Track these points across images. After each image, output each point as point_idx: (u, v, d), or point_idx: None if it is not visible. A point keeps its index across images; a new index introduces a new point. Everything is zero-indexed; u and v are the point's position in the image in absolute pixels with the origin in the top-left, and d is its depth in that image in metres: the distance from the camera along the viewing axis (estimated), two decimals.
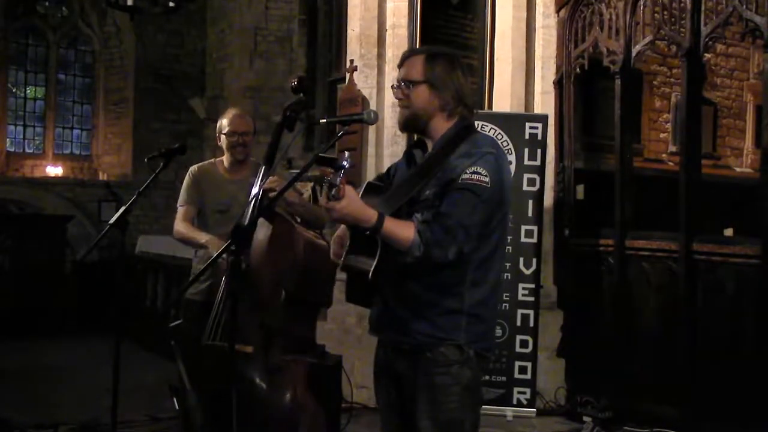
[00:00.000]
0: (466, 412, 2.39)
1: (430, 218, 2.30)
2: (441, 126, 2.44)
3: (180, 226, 3.92)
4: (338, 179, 2.17)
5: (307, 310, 3.34)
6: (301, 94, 3.54)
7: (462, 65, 2.48)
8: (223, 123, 3.94)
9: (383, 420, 2.59)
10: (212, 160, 4.13)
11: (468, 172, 2.30)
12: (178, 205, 4.00)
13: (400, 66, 2.51)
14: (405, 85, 2.45)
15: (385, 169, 2.73)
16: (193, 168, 4.05)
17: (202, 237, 3.75)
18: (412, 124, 2.48)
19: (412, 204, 2.37)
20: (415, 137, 2.57)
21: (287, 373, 3.16)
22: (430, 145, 2.47)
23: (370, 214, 2.25)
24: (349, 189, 2.23)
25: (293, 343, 3.22)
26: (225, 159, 3.99)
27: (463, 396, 2.37)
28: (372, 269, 2.31)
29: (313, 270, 3.20)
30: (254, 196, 3.28)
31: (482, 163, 2.32)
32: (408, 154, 2.56)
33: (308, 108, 3.70)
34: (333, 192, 2.18)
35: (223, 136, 3.93)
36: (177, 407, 3.57)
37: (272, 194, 3.22)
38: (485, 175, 2.30)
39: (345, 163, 2.18)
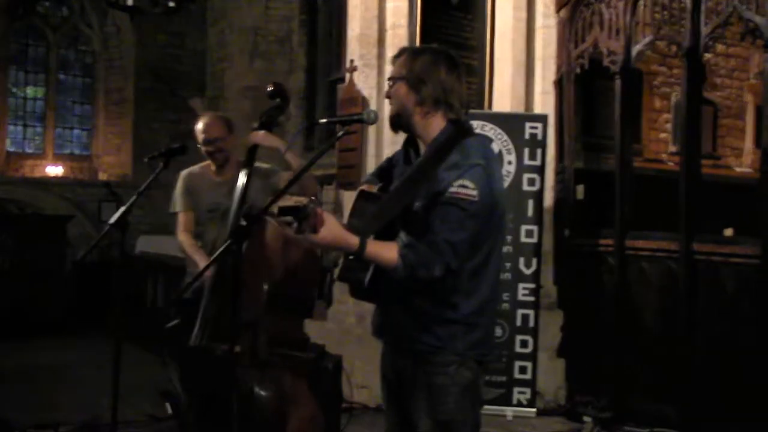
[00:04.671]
0: (465, 413, 2.39)
1: (412, 241, 2.26)
2: (423, 124, 2.40)
3: (183, 236, 4.05)
4: (307, 214, 2.14)
5: (291, 306, 3.34)
6: (278, 99, 3.56)
7: (450, 63, 2.40)
8: (197, 130, 4.00)
9: (387, 417, 2.59)
10: (202, 164, 4.18)
11: (455, 185, 2.24)
12: (175, 211, 4.10)
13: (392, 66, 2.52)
14: (390, 83, 2.46)
15: None
16: (184, 173, 4.12)
17: (202, 263, 3.75)
18: (396, 121, 2.46)
19: (406, 214, 2.34)
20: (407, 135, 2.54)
21: (274, 368, 3.17)
22: (421, 145, 2.45)
23: (351, 242, 2.24)
24: (328, 218, 2.20)
25: (279, 340, 3.22)
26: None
27: (461, 397, 2.37)
28: (367, 279, 2.33)
29: (294, 266, 3.22)
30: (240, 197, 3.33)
31: (469, 176, 2.25)
32: (405, 152, 2.55)
33: (284, 113, 3.70)
34: (304, 227, 2.17)
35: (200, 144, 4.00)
36: (170, 412, 3.58)
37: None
38: (473, 189, 2.24)
39: (309, 208, 2.14)
